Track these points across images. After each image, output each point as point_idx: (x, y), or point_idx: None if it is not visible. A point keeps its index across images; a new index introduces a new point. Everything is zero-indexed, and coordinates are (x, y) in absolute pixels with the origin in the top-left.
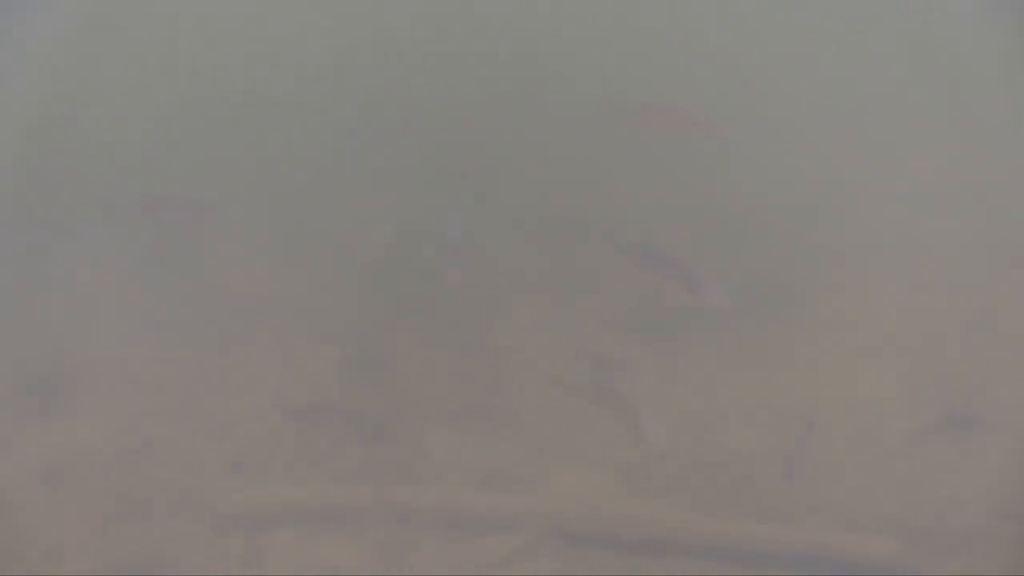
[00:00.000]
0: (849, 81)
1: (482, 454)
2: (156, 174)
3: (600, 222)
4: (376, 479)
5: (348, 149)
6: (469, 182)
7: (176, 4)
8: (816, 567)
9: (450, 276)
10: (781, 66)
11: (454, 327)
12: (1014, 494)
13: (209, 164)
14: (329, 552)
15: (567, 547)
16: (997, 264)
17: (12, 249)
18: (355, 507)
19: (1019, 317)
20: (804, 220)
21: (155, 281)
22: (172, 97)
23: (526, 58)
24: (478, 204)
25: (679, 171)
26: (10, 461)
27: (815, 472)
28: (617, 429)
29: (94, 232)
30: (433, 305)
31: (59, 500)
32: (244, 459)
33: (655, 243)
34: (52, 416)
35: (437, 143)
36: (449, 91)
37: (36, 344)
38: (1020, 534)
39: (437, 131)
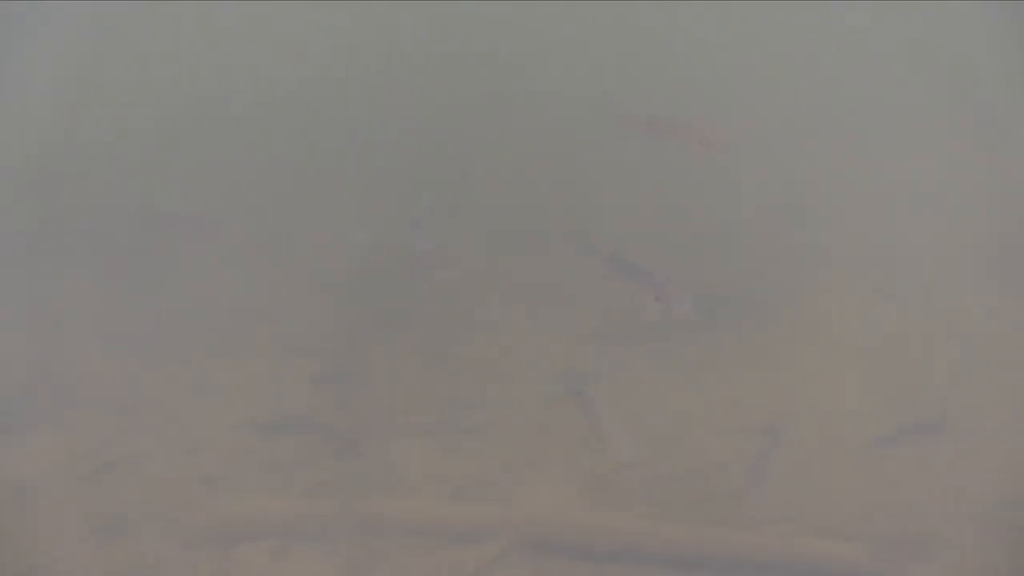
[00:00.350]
0: (821, 103)
1: (452, 466)
2: (129, 187)
3: (572, 233)
4: (346, 492)
5: (319, 165)
6: (443, 195)
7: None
8: (785, 574)
9: (421, 288)
10: (761, 83)
11: (425, 340)
12: (978, 499)
13: (179, 179)
14: (301, 565)
15: (537, 558)
16: (960, 272)
17: None
18: (326, 520)
19: (982, 324)
20: (771, 231)
21: (124, 297)
22: (149, 112)
23: (505, 72)
24: (451, 216)
25: (653, 183)
26: None
27: (782, 480)
28: (586, 440)
29: (63, 247)
30: (404, 318)
31: (31, 518)
32: (215, 474)
33: (625, 253)
34: (21, 433)
35: (413, 156)
36: (425, 106)
37: (4, 360)
38: (984, 538)
39: (415, 144)
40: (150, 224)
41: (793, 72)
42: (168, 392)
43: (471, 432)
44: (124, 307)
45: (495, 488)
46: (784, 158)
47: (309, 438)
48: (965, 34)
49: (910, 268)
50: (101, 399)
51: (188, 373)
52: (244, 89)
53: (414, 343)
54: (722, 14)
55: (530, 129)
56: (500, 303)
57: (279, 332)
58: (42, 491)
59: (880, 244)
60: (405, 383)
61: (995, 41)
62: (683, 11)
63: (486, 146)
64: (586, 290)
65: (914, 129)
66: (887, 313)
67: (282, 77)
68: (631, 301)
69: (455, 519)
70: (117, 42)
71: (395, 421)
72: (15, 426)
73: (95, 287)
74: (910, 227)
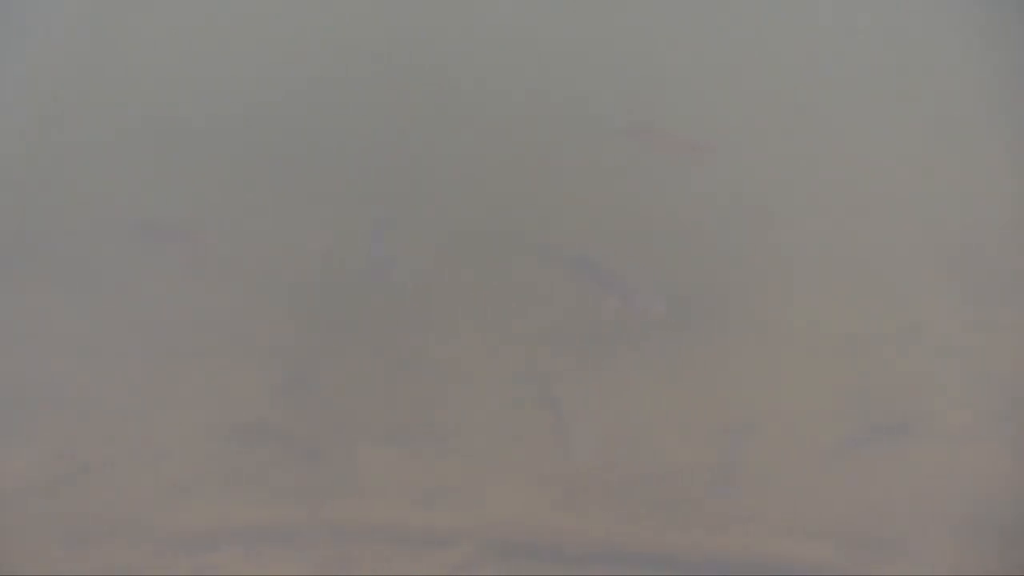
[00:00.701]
0: (793, 107)
1: (418, 470)
2: (98, 195)
3: (536, 235)
4: (313, 498)
5: (279, 172)
6: (404, 200)
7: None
8: (753, 573)
9: (384, 295)
10: (738, 92)
11: (388, 345)
12: (943, 499)
13: (144, 187)
14: (271, 570)
15: (505, 561)
16: (925, 274)
17: None
18: (294, 525)
19: (947, 326)
20: (741, 234)
21: (87, 304)
22: (112, 123)
23: (475, 79)
24: (412, 221)
25: (624, 188)
26: None
27: (749, 480)
28: (552, 442)
29: (27, 254)
30: (367, 323)
31: (1, 526)
32: (182, 481)
33: (591, 255)
34: None
35: (372, 163)
36: (386, 114)
37: None
38: (949, 537)
39: (384, 151)
40: (115, 231)
41: (764, 75)
42: (134, 399)
43: (437, 436)
44: (85, 316)
45: (461, 492)
46: (754, 162)
47: (275, 444)
48: (937, 35)
49: (877, 272)
50: (67, 406)
51: (153, 380)
52: (208, 100)
53: (377, 349)
54: (694, 21)
55: (500, 135)
56: (464, 307)
57: (241, 341)
58: (10, 501)
59: (848, 248)
60: (369, 389)
61: (967, 45)
62: (660, 16)
63: (451, 153)
64: (551, 292)
65: (882, 132)
66: (854, 316)
67: (240, 90)
68: (597, 302)
69: (422, 523)
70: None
71: (359, 426)
72: None
73: (56, 296)
74: (878, 231)
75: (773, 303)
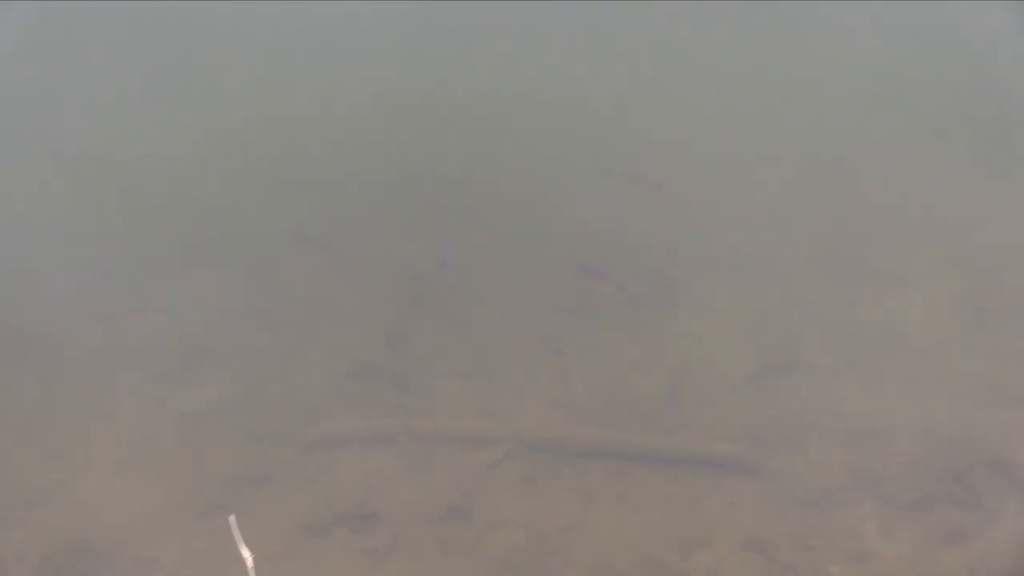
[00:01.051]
0: (719, 162)
1: (473, 397)
2: (261, 210)
3: (552, 247)
4: (405, 415)
5: (380, 202)
6: (462, 222)
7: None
8: (690, 461)
9: (449, 282)
10: (685, 145)
11: (453, 316)
12: (817, 411)
13: (295, 208)
14: (378, 462)
15: (531, 456)
16: (814, 272)
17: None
18: (392, 433)
19: (819, 295)
20: (683, 243)
21: (258, 291)
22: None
23: (512, 129)
24: (468, 236)
25: (606, 211)
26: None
27: (689, 403)
28: (561, 380)
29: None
30: (440, 302)
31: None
32: (320, 405)
33: (590, 260)
34: (181, 381)
35: (440, 198)
36: (445, 155)
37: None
38: (821, 437)
39: (442, 187)
40: (278, 239)
41: (705, 134)
42: (287, 354)
43: (485, 375)
44: (257, 298)
45: (502, 411)
46: (694, 194)
47: (379, 380)
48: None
49: (779, 268)
50: (238, 359)
51: (305, 342)
52: (326, 140)
53: (446, 319)
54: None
55: (531, 175)
56: (504, 293)
57: (360, 312)
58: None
59: (762, 255)
60: (441, 345)
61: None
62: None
63: (492, 194)
64: (565, 284)
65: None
66: (760, 296)
67: (351, 130)
68: (597, 289)
69: (477, 431)
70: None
71: (435, 369)
72: (178, 375)
73: (235, 277)
74: (784, 242)
75: (710, 290)
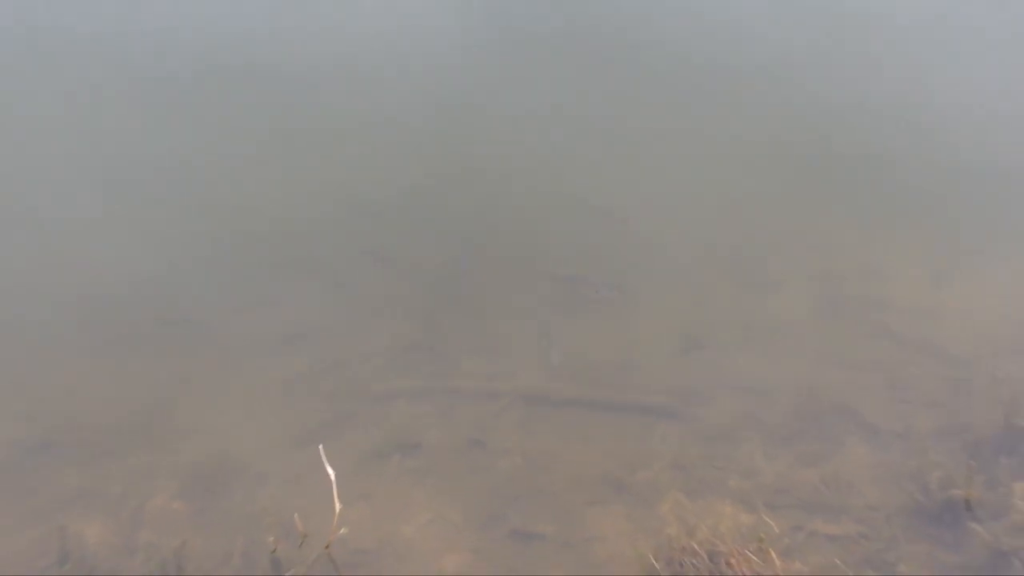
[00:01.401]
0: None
1: (485, 364)
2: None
3: (545, 265)
4: (438, 377)
5: (420, 229)
6: (479, 242)
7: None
8: (635, 409)
9: (470, 286)
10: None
11: (474, 309)
12: (721, 375)
13: (371, 234)
14: (420, 409)
15: (525, 405)
16: (723, 281)
17: None
18: (430, 389)
19: (727, 299)
20: (640, 263)
21: (322, 292)
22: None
23: (507, 177)
24: (482, 254)
25: (585, 238)
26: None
27: (637, 371)
28: (545, 354)
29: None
30: (463, 301)
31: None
32: (381, 370)
33: (576, 273)
34: (285, 354)
35: (456, 227)
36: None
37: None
38: (732, 394)
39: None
40: (351, 257)
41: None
42: (357, 336)
43: (494, 350)
44: (333, 294)
45: (506, 374)
46: (650, 227)
47: (421, 352)
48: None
49: (693, 273)
50: (324, 339)
51: (366, 327)
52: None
53: (469, 310)
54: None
55: (526, 213)
56: (509, 295)
57: (404, 309)
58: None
59: (685, 262)
60: (464, 329)
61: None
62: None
63: (499, 221)
64: (554, 290)
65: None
66: (681, 294)
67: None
68: (579, 293)
69: (489, 388)
70: None
71: (459, 344)
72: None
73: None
74: (698, 247)
75: (651, 292)
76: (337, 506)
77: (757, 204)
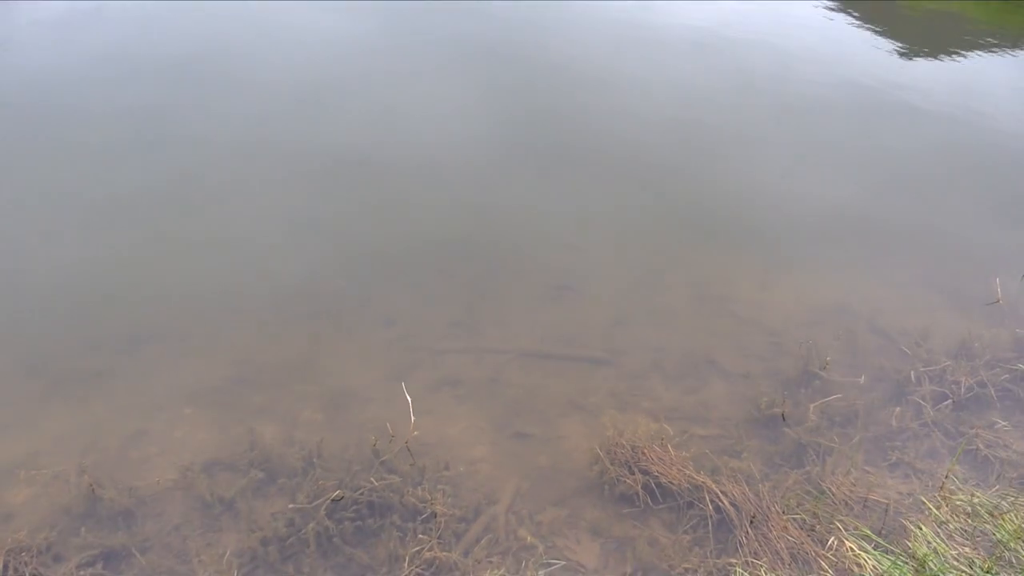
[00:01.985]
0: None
1: (499, 334)
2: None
3: (543, 276)
4: (474, 341)
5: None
6: (493, 261)
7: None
8: (587, 360)
9: (491, 290)
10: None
11: (491, 303)
12: (636, 341)
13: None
14: (460, 361)
15: (524, 358)
16: (634, 284)
17: None
18: (468, 348)
19: (640, 294)
20: (588, 276)
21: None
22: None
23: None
24: (500, 270)
25: (567, 265)
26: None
27: (583, 337)
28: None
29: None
30: (486, 298)
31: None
32: (439, 338)
33: (567, 283)
34: (384, 329)
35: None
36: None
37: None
38: (635, 350)
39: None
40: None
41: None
42: (423, 321)
43: (504, 325)
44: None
45: (511, 338)
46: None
47: (462, 329)
48: None
49: (625, 277)
50: (405, 318)
51: (427, 317)
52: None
53: (489, 304)
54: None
55: (522, 231)
56: (507, 290)
57: (449, 304)
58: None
59: (619, 271)
60: (488, 314)
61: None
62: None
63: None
64: (548, 291)
65: None
66: (614, 290)
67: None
68: (561, 294)
69: (500, 347)
70: None
71: (484, 323)
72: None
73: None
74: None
75: (598, 294)
76: (412, 418)
77: (660, 247)
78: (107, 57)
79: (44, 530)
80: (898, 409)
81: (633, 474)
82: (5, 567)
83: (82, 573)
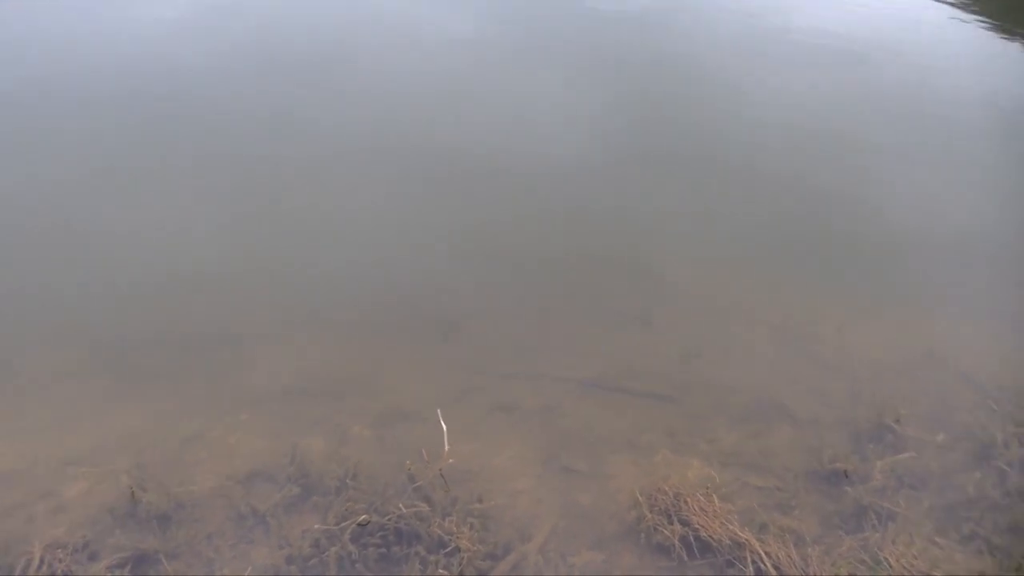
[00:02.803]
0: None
1: (562, 362)
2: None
3: (620, 297)
4: (533, 367)
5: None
6: (508, 269)
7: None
8: (648, 395)
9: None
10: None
11: (556, 336)
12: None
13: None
14: (519, 386)
15: (583, 388)
16: (710, 316)
17: None
18: (526, 374)
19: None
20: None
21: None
22: None
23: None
24: (511, 281)
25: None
26: None
27: (652, 370)
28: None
29: None
30: (550, 328)
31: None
32: (497, 359)
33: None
34: (438, 346)
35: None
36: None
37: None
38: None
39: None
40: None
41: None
42: (486, 339)
43: (569, 353)
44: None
45: (571, 367)
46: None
47: (474, 339)
48: None
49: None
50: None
51: (491, 336)
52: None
53: (554, 335)
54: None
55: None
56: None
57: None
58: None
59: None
60: (550, 342)
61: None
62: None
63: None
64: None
65: None
66: (685, 323)
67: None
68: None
69: (560, 375)
70: None
71: (546, 351)
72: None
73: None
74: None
75: (669, 326)
76: (446, 446)
77: (750, 271)
78: (238, 52)
79: (84, 527)
80: (978, 474)
81: (672, 524)
82: (40, 563)
83: (110, 575)
